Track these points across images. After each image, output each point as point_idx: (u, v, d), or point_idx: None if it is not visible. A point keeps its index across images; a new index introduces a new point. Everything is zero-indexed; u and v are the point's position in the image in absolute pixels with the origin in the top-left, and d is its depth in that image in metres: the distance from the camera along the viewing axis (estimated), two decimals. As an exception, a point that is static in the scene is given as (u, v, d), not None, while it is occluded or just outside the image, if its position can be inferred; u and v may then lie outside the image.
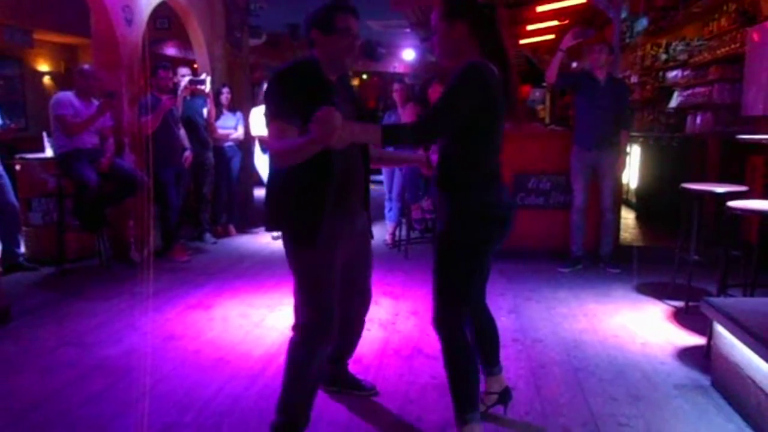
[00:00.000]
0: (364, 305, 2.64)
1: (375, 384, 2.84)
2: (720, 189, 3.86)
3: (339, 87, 2.31)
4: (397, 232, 6.01)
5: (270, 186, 2.29)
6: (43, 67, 10.02)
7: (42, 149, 5.43)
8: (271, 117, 2.18)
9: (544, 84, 8.81)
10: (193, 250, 5.71)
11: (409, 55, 15.26)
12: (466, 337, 2.28)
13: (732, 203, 3.44)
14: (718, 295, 3.63)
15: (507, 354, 3.27)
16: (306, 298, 2.28)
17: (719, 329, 2.82)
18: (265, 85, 6.35)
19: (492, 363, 2.54)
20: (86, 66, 5.22)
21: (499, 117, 2.19)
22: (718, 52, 6.54)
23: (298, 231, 2.22)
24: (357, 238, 2.43)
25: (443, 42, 2.23)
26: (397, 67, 15.75)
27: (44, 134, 5.45)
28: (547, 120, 9.44)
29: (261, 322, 3.78)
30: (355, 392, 2.77)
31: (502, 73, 2.15)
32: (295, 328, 2.33)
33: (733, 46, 6.21)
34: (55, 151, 5.00)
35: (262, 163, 6.19)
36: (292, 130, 2.10)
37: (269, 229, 2.45)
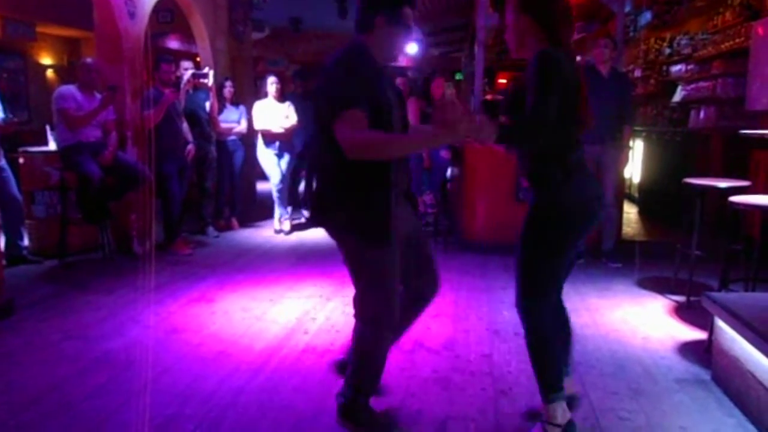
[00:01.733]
0: (436, 290, 2.53)
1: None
2: (723, 184, 3.86)
3: (387, 73, 2.30)
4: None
5: (326, 186, 2.26)
6: (46, 60, 10.03)
7: (45, 142, 5.44)
8: (341, 107, 2.05)
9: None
10: (195, 244, 5.73)
11: (412, 49, 15.21)
12: (550, 322, 2.29)
13: (735, 198, 3.43)
14: (719, 290, 3.63)
15: (508, 348, 3.28)
16: (375, 293, 2.27)
17: (720, 324, 2.82)
18: (270, 78, 6.37)
19: (563, 363, 2.44)
20: (89, 59, 5.22)
21: (575, 106, 2.18)
22: (722, 46, 6.51)
23: (369, 231, 2.17)
24: (410, 223, 2.40)
25: (512, 33, 2.27)
26: (400, 61, 15.70)
27: (47, 127, 5.46)
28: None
29: (263, 315, 3.79)
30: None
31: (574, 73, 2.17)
32: (362, 320, 2.31)
33: (737, 40, 6.18)
34: (58, 145, 5.01)
35: (264, 156, 6.19)
36: (365, 117, 2.05)
37: (331, 233, 2.32)
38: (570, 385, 2.45)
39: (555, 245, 2.23)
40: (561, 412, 2.25)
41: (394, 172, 2.17)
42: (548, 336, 2.27)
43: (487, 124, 1.99)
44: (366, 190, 2.15)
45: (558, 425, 2.24)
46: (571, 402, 2.43)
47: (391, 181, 2.16)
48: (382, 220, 2.15)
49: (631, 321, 3.72)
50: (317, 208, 2.30)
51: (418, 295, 2.47)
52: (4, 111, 4.80)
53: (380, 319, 2.28)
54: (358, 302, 2.31)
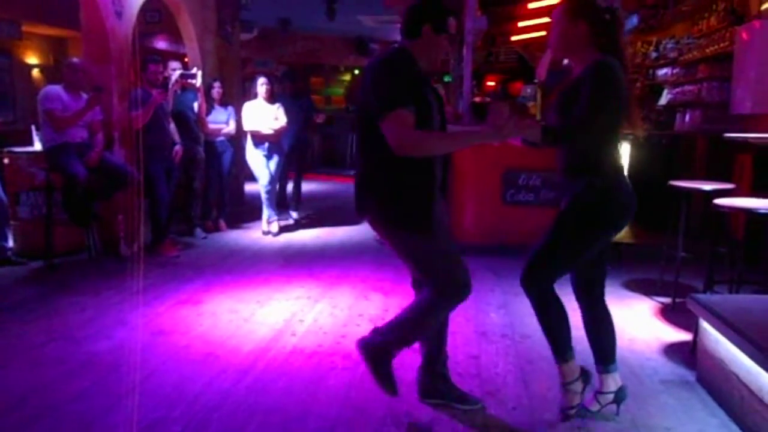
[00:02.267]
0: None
1: (480, 399, 2.69)
2: (707, 186, 3.90)
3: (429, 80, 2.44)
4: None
5: (372, 179, 2.37)
6: (32, 59, 9.93)
7: (31, 143, 5.39)
8: (389, 106, 2.18)
9: (536, 81, 8.83)
10: (183, 245, 5.70)
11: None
12: (555, 293, 2.41)
13: (719, 201, 3.47)
14: (704, 292, 3.67)
15: (496, 349, 3.30)
16: (437, 275, 2.37)
17: (705, 325, 2.85)
18: (260, 79, 6.36)
19: (604, 360, 2.53)
20: (75, 59, 5.19)
21: (624, 111, 2.33)
22: (707, 50, 6.58)
23: (414, 222, 2.30)
24: (446, 216, 2.56)
25: (561, 37, 2.37)
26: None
27: (33, 128, 5.41)
28: (539, 117, 9.46)
29: (251, 317, 3.78)
30: (458, 405, 2.60)
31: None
32: (434, 292, 2.39)
33: (722, 44, 6.25)
34: (43, 145, 4.97)
35: (253, 157, 6.18)
36: (412, 117, 2.18)
37: (379, 230, 2.47)
38: (617, 379, 2.56)
39: (595, 234, 2.36)
40: (573, 369, 2.46)
41: (435, 167, 2.34)
42: (554, 306, 2.42)
43: (532, 126, 2.17)
44: (413, 184, 2.30)
45: (575, 380, 2.46)
46: (622, 395, 2.55)
47: (434, 175, 2.34)
48: (427, 211, 2.30)
49: (618, 323, 3.68)
50: (364, 206, 2.41)
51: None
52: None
53: (451, 294, 2.38)
54: (431, 290, 2.39)
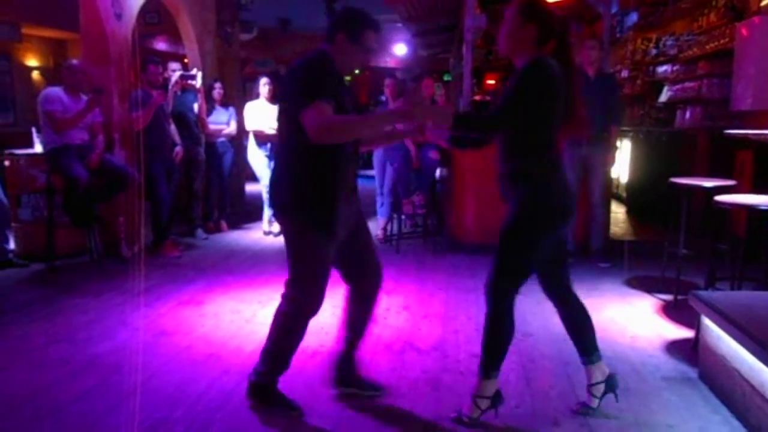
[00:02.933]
0: (379, 286, 2.71)
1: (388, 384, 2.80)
2: (708, 183, 3.89)
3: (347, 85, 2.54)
4: (388, 227, 6.02)
5: (283, 176, 2.46)
6: (32, 61, 9.94)
7: (31, 145, 5.39)
8: (309, 99, 2.26)
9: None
10: (184, 246, 5.70)
11: (400, 50, 15.25)
12: (511, 309, 2.43)
13: (720, 197, 3.46)
14: (706, 289, 3.67)
15: (497, 348, 3.29)
16: (307, 276, 2.46)
17: (707, 322, 2.85)
18: (263, 79, 6.39)
19: (588, 351, 2.57)
20: (75, 61, 5.19)
21: (558, 112, 2.36)
22: (707, 47, 6.57)
23: (317, 217, 2.39)
24: (356, 219, 2.60)
25: (509, 36, 2.40)
26: (388, 62, 15.74)
27: (33, 130, 5.42)
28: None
29: (252, 317, 3.78)
30: (369, 393, 2.71)
31: (566, 80, 2.34)
32: (288, 299, 2.50)
33: (722, 41, 6.24)
34: (44, 147, 4.97)
35: (255, 157, 6.18)
36: (330, 107, 2.26)
37: (279, 217, 2.55)
38: (604, 369, 2.58)
39: (534, 238, 2.38)
40: (491, 387, 2.46)
41: (343, 170, 2.42)
42: (503, 321, 2.43)
43: (444, 109, 2.14)
44: (318, 182, 2.39)
45: (487, 397, 2.46)
46: (613, 382, 2.56)
47: (339, 177, 2.41)
48: (329, 210, 2.38)
49: (619, 320, 3.74)
50: (276, 197, 2.51)
51: (362, 290, 2.67)
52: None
53: (307, 303, 2.48)
54: (290, 282, 2.50)
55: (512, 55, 2.43)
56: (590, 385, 2.56)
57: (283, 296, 2.53)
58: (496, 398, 2.48)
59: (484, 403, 2.46)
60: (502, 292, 2.42)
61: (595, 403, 2.55)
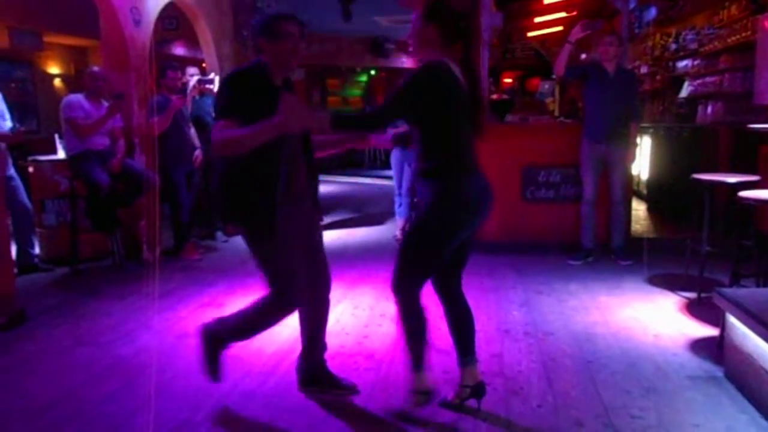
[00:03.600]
0: (326, 286, 2.78)
1: (355, 383, 2.81)
2: (732, 179, 3.84)
3: (284, 90, 2.48)
4: (407, 228, 6.00)
5: (221, 184, 2.54)
6: (54, 69, 10.10)
7: (54, 151, 5.48)
8: (218, 114, 2.41)
9: (553, 76, 8.77)
10: (204, 249, 5.75)
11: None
12: (420, 304, 2.49)
13: (744, 193, 3.42)
14: (730, 286, 3.61)
15: (519, 347, 3.28)
16: (271, 279, 2.55)
17: (732, 320, 2.80)
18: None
19: (466, 353, 2.62)
20: (95, 68, 5.26)
21: (460, 113, 2.39)
22: (729, 40, 6.48)
23: (256, 223, 2.47)
24: (306, 221, 2.66)
25: (414, 36, 2.45)
26: (405, 63, 15.72)
27: (56, 136, 5.50)
28: (557, 113, 9.40)
29: (273, 319, 3.80)
30: (335, 391, 2.76)
31: (468, 81, 2.39)
32: (268, 294, 2.58)
33: (744, 34, 6.15)
34: (66, 153, 5.05)
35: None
36: (234, 126, 2.32)
37: (225, 224, 2.69)
38: (476, 374, 2.61)
39: (440, 236, 2.40)
40: (425, 381, 2.54)
41: (278, 177, 2.44)
42: (417, 317, 2.49)
43: (318, 114, 2.38)
44: (255, 188, 2.44)
45: (421, 391, 2.53)
46: (479, 390, 2.58)
47: (272, 183, 2.44)
48: (266, 216, 2.43)
49: (642, 318, 3.70)
50: (219, 208, 2.64)
51: (312, 294, 2.72)
52: (12, 120, 4.84)
53: (280, 302, 2.56)
54: (264, 280, 2.60)
55: (419, 56, 2.47)
56: (459, 386, 2.61)
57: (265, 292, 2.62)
58: (428, 393, 2.54)
59: (422, 398, 2.53)
60: (407, 290, 2.46)
61: (455, 402, 2.59)
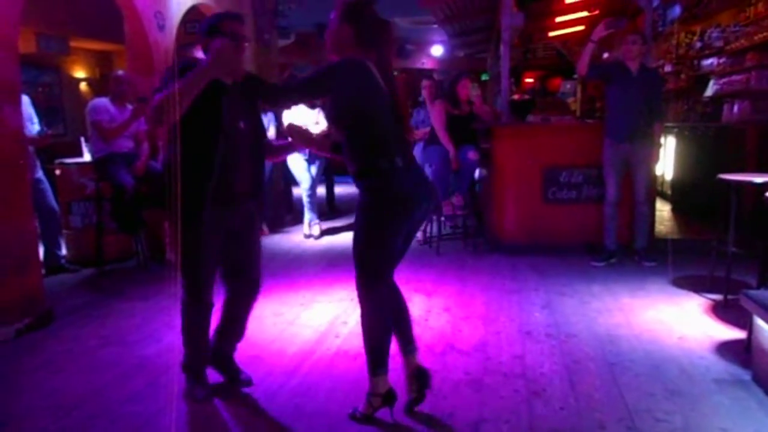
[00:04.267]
0: (252, 294, 2.86)
1: (251, 377, 2.93)
2: (759, 179, 3.77)
3: (234, 90, 2.57)
4: (428, 229, 6.01)
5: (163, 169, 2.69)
6: (80, 73, 10.27)
7: (80, 154, 5.57)
8: (154, 92, 2.54)
9: (575, 76, 8.69)
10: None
11: (437, 51, 15.20)
12: (383, 303, 2.50)
13: (771, 193, 3.36)
14: (758, 288, 3.54)
15: (541, 349, 3.26)
16: (186, 266, 2.65)
17: (759, 322, 2.75)
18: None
19: (407, 341, 2.63)
20: (120, 72, 5.34)
21: (381, 112, 2.41)
22: (756, 37, 6.36)
23: (186, 212, 2.50)
24: (241, 225, 2.71)
25: (331, 35, 2.48)
26: (425, 64, 15.71)
27: (82, 139, 5.60)
28: (578, 113, 9.32)
29: (295, 320, 3.83)
30: (229, 380, 2.91)
31: (387, 85, 2.42)
32: (182, 292, 2.73)
33: (771, 31, 6.04)
34: (92, 156, 5.13)
35: (295, 162, 6.26)
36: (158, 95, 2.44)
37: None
38: (415, 361, 2.62)
39: (385, 228, 2.42)
40: (382, 384, 2.52)
41: (216, 175, 2.51)
42: (383, 317, 2.49)
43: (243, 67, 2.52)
44: (192, 180, 2.47)
45: (379, 394, 2.52)
46: (423, 376, 2.59)
47: (207, 179, 2.50)
48: (196, 206, 2.50)
49: (667, 320, 3.65)
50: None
51: (236, 293, 2.83)
52: (39, 124, 4.94)
53: (188, 291, 2.71)
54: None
55: (336, 54, 2.47)
56: (369, 393, 2.56)
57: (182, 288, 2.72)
58: (389, 396, 2.53)
59: (376, 401, 2.52)
60: (369, 286, 2.47)
61: (369, 410, 2.54)
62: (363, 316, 2.50)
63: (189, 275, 2.68)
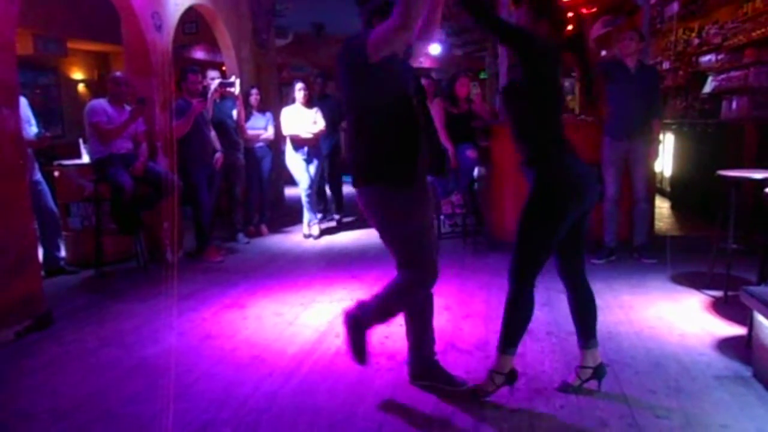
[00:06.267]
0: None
1: (466, 380, 2.83)
2: (758, 175, 3.77)
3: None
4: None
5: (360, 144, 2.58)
6: (78, 75, 10.26)
7: (79, 155, 5.56)
8: None
9: (573, 74, 8.68)
10: (226, 251, 5.80)
11: (435, 49, 15.19)
12: (531, 293, 2.59)
13: (771, 189, 3.35)
14: (758, 284, 3.53)
15: (541, 347, 3.25)
16: (412, 259, 2.62)
17: (760, 319, 2.75)
18: (298, 84, 6.47)
19: (588, 336, 2.70)
20: (118, 73, 5.33)
21: (557, 89, 2.59)
22: (754, 34, 6.36)
23: (398, 178, 2.51)
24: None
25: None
26: (423, 62, 15.69)
27: (80, 141, 5.59)
28: (577, 110, 9.31)
29: (295, 320, 3.82)
30: (447, 387, 2.77)
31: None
32: (405, 278, 2.66)
33: (769, 27, 6.04)
34: (91, 157, 5.12)
35: (293, 162, 6.25)
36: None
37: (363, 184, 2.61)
38: (597, 357, 2.72)
39: (552, 216, 2.47)
40: (508, 364, 2.63)
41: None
42: (523, 304, 2.59)
43: None
44: (397, 144, 2.52)
45: (503, 373, 2.63)
46: (600, 371, 2.69)
47: (419, 135, 2.56)
48: (411, 166, 2.53)
49: (667, 317, 3.65)
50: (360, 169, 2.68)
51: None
52: (38, 126, 4.93)
53: (421, 279, 2.70)
54: (399, 266, 2.73)
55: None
56: (580, 366, 2.70)
57: (401, 274, 2.72)
58: (511, 376, 2.63)
59: (500, 379, 2.62)
60: (524, 275, 2.55)
61: (576, 382, 2.69)
62: (509, 298, 2.59)
63: (420, 257, 2.65)
